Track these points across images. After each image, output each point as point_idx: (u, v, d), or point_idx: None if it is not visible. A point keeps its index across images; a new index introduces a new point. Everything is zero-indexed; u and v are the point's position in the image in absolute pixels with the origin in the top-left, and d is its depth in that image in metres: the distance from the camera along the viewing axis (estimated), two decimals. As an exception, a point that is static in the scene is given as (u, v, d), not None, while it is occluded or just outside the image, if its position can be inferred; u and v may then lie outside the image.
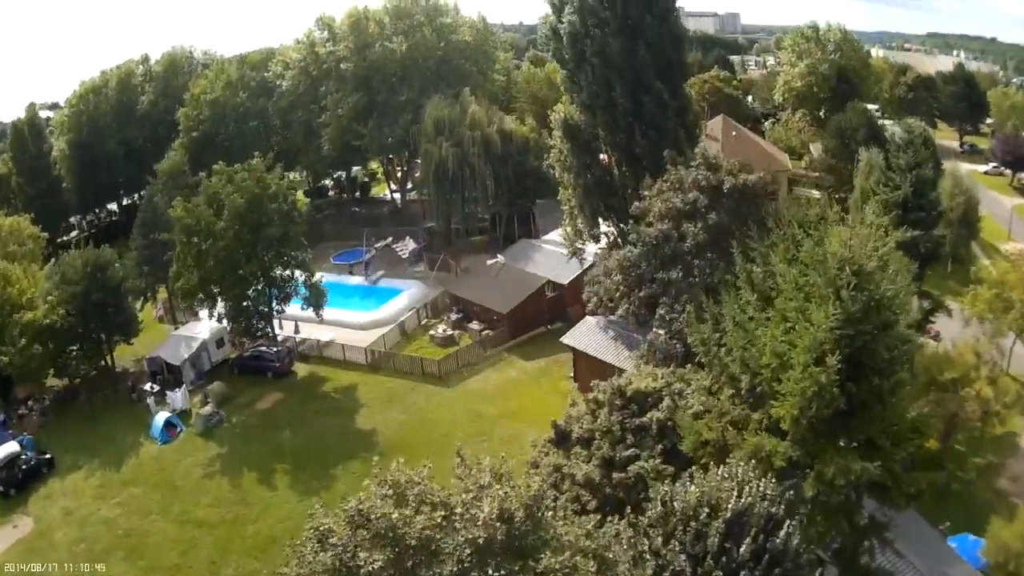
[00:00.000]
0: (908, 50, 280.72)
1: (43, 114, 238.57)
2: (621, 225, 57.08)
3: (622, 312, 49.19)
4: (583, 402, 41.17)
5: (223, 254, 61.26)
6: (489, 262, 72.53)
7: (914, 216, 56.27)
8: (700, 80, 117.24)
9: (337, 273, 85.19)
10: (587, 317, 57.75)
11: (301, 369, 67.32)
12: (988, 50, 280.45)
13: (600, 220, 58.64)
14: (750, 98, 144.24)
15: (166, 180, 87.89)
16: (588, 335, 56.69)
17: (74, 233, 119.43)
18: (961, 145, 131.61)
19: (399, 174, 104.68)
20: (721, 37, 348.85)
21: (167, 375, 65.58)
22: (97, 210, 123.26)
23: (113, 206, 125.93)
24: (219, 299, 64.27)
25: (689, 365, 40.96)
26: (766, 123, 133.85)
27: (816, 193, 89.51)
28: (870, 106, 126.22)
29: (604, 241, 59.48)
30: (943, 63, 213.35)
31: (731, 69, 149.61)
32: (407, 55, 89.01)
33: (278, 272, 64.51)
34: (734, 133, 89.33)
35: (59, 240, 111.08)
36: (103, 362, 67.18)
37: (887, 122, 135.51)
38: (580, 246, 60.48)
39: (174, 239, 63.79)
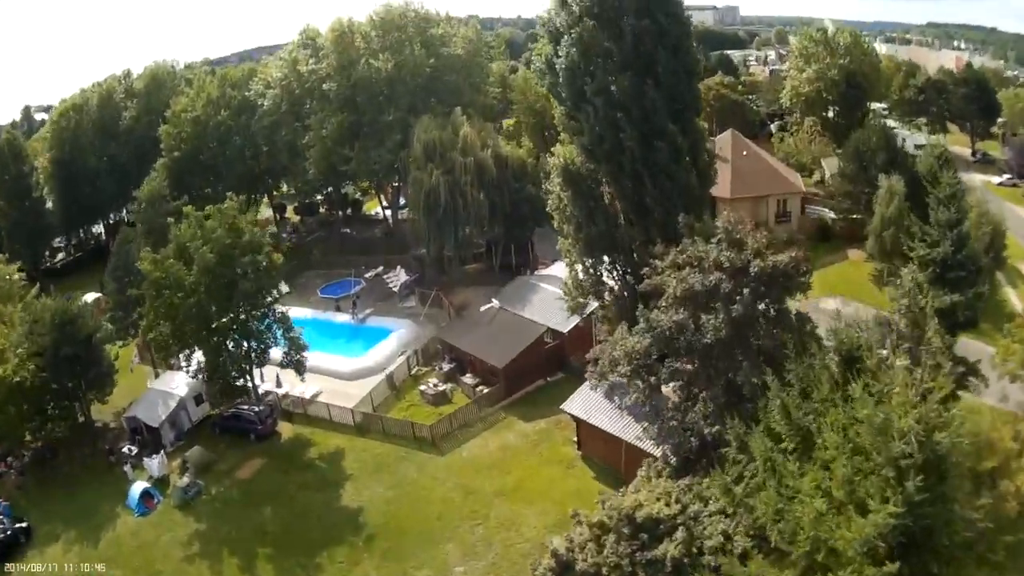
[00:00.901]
0: (909, 41, 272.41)
1: (38, 116, 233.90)
2: (628, 276, 50.10)
3: (630, 401, 42.06)
4: (587, 525, 34.53)
5: (194, 311, 55.08)
6: (483, 308, 65.11)
7: (953, 275, 49.89)
8: (705, 87, 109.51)
9: (324, 308, 78.38)
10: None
11: (285, 429, 60.74)
12: (988, 40, 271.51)
13: (604, 273, 51.21)
14: (754, 96, 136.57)
15: (145, 207, 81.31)
16: (591, 401, 49.76)
17: (60, 256, 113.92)
18: (973, 153, 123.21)
19: (390, 193, 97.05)
20: (721, 31, 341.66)
21: (146, 436, 60.13)
22: (83, 230, 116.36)
23: (99, 227, 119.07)
24: (195, 350, 57.94)
25: (708, 479, 34.31)
26: (772, 125, 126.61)
27: (831, 213, 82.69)
28: (877, 105, 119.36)
29: (608, 295, 52.04)
30: (946, 57, 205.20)
31: (734, 70, 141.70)
32: (394, 73, 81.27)
33: (254, 325, 57.85)
34: (744, 152, 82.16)
35: (44, 266, 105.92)
36: (80, 417, 62.02)
37: (893, 123, 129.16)
38: (582, 301, 53.24)
39: (144, 294, 57.39)
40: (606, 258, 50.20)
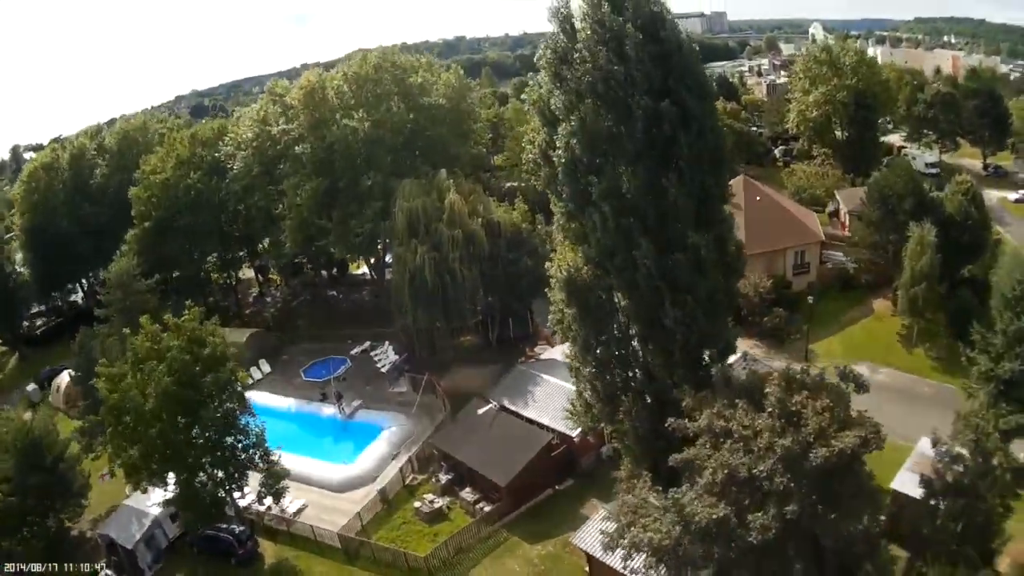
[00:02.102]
0: (900, 40, 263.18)
1: (27, 155, 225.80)
2: (645, 397, 41.05)
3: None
4: None
5: (159, 441, 46.69)
6: (480, 410, 55.89)
7: (1019, 393, 41.27)
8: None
9: (308, 395, 69.36)
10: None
11: (268, 548, 52.56)
12: (978, 33, 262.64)
13: (618, 398, 41.81)
14: (756, 117, 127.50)
15: (114, 288, 73.28)
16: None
17: (40, 322, 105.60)
18: (985, 167, 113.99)
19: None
20: (711, 42, 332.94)
21: (122, 557, 53.07)
22: (61, 295, 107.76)
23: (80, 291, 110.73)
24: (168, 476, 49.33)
25: None
26: (776, 150, 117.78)
27: (852, 261, 74.06)
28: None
29: (622, 416, 42.58)
30: (942, 57, 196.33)
31: (734, 92, 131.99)
32: (372, 132, 71.80)
33: (227, 452, 49.60)
34: (758, 198, 73.22)
35: (24, 332, 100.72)
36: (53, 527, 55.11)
37: (898, 138, 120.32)
38: (591, 425, 44.15)
39: (104, 419, 49.54)
40: (620, 384, 40.86)
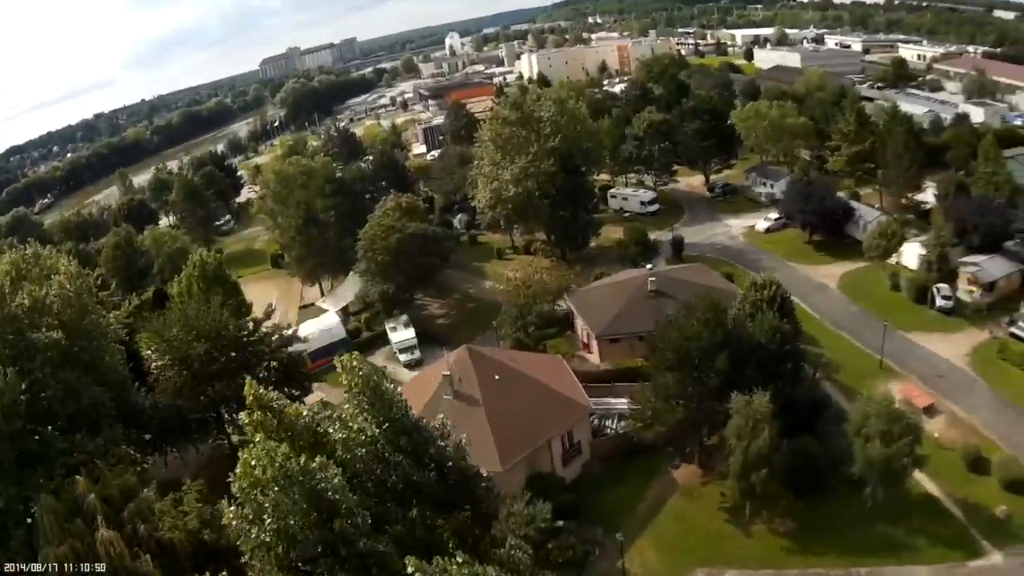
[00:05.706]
0: (543, 34, 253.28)
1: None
2: None
3: None
4: None
5: None
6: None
7: None
8: (376, 227, 74.36)
9: None
10: None
11: None
12: (624, 7, 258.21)
13: None
14: (423, 183, 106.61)
15: None
16: None
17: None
18: (711, 190, 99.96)
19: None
20: (346, 77, 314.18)
21: None
22: None
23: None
24: None
25: None
26: (456, 219, 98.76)
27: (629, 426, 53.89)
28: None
29: None
30: (605, 49, 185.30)
31: (401, 174, 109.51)
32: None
33: None
34: (497, 377, 50.33)
35: None
36: None
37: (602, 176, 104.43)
38: None
39: None
40: None
